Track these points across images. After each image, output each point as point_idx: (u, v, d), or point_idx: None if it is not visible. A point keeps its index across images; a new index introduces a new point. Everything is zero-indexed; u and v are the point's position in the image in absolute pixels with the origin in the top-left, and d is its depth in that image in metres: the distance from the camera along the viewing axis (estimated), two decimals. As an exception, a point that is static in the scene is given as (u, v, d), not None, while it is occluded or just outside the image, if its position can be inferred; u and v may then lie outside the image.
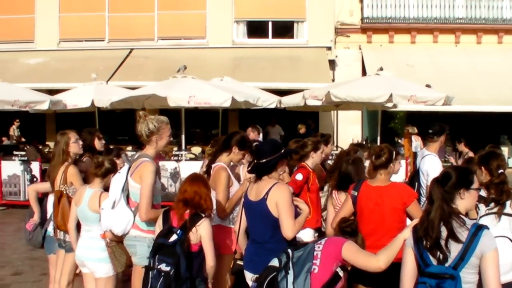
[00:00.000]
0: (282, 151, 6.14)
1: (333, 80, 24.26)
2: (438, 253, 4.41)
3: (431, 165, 8.25)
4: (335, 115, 23.21)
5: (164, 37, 26.73)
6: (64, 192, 7.51)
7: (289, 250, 5.22)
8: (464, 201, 4.55)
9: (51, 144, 24.80)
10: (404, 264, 4.69)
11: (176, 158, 16.38)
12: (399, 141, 21.59)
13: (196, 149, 19.84)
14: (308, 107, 19.95)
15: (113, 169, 7.13)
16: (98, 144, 9.05)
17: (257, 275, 5.33)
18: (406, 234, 4.76)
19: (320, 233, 8.34)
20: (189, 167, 14.88)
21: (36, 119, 25.42)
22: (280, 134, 23.74)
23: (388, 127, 25.21)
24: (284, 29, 27.23)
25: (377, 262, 5.02)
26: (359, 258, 5.16)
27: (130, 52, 26.13)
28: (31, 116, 23.41)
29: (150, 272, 5.77)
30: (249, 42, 26.92)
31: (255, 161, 6.09)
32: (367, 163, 8.02)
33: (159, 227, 6.11)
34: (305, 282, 5.02)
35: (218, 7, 26.58)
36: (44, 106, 17.79)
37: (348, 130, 23.71)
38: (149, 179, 6.43)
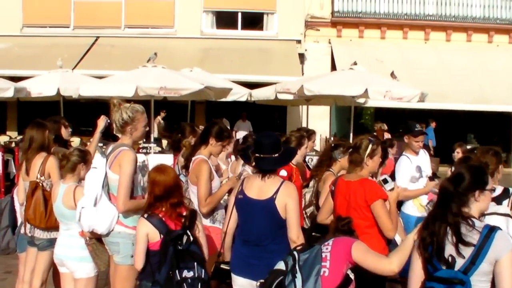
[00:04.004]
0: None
1: (302, 74, 23.96)
2: (446, 257, 4.10)
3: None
4: (303, 110, 23.00)
5: (131, 25, 26.22)
6: (40, 184, 7.04)
7: (295, 253, 4.87)
8: (478, 204, 4.24)
9: (12, 134, 24.33)
10: (412, 267, 4.38)
11: (144, 150, 15.91)
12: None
13: (163, 142, 19.36)
14: (278, 101, 19.74)
15: (82, 159, 6.63)
16: (65, 132, 8.58)
17: (262, 280, 4.95)
18: (416, 235, 4.44)
19: (303, 231, 8.03)
20: (158, 160, 14.44)
21: (-4, 107, 24.71)
22: (249, 130, 23.44)
23: (358, 123, 25.03)
24: (254, 21, 26.99)
25: (389, 264, 4.70)
26: (369, 260, 4.87)
27: (96, 40, 25.56)
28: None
29: (184, 285, 5.31)
30: (218, 33, 26.59)
31: (260, 155, 5.65)
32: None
33: (146, 236, 5.54)
34: (315, 286, 4.69)
35: (187, -4, 26.18)
36: (8, 94, 17.16)
37: (316, 125, 23.39)
38: (128, 168, 6.00)
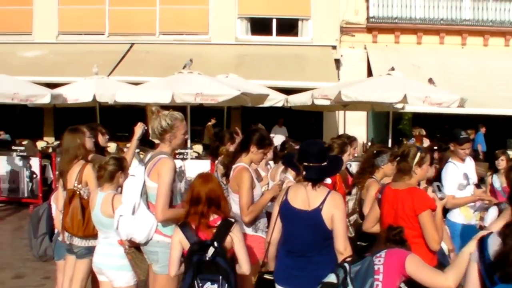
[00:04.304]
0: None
1: (338, 80, 23.73)
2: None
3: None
4: (339, 115, 22.76)
5: (165, 32, 26.11)
6: (77, 192, 6.94)
7: (346, 264, 4.67)
8: None
9: (49, 139, 24.44)
10: (468, 280, 4.10)
11: (181, 156, 15.82)
12: (407, 143, 21.18)
13: (198, 147, 19.27)
14: (314, 106, 19.57)
15: (119, 167, 6.54)
16: (102, 139, 8.46)
17: None
18: (472, 248, 4.19)
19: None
20: (195, 166, 14.38)
21: (33, 113, 24.82)
22: (286, 136, 23.26)
23: (396, 129, 24.75)
24: (289, 27, 26.70)
25: (445, 280, 4.46)
26: (424, 274, 4.65)
27: (131, 47, 25.55)
28: (28, 111, 22.88)
29: None
30: (253, 39, 26.39)
31: (309, 164, 5.48)
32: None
33: (179, 243, 5.46)
34: None
35: (221, 2, 26.10)
36: (45, 100, 17.29)
37: (353, 131, 23.14)
38: (167, 176, 5.90)
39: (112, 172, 6.50)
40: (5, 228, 14.60)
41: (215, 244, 5.20)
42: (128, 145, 19.95)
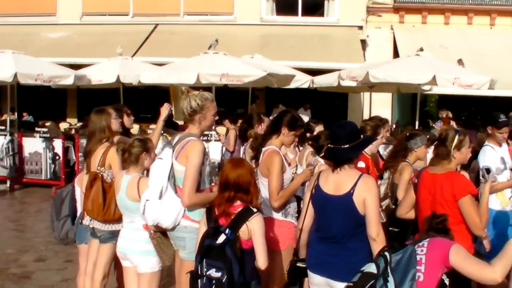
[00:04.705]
0: (361, 137, 5.41)
1: (364, 61, 23.41)
2: None
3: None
4: (364, 97, 22.51)
5: (190, 12, 25.81)
6: (100, 175, 6.76)
7: (386, 253, 4.45)
8: None
9: (72, 121, 24.42)
10: None
11: (205, 138, 15.65)
12: (434, 125, 20.91)
13: (221, 129, 19.11)
14: (340, 88, 19.32)
15: (143, 149, 6.32)
16: (127, 121, 8.27)
17: (350, 284, 4.51)
18: None
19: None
20: (218, 148, 14.24)
21: (56, 94, 24.75)
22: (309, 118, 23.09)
23: (422, 111, 24.45)
24: (314, 7, 26.30)
25: (492, 273, 4.24)
26: (470, 267, 4.41)
27: (155, 28, 25.33)
28: (51, 92, 22.86)
29: (199, 280, 4.99)
30: (278, 20, 26.04)
31: (331, 146, 5.34)
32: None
33: (204, 225, 5.32)
34: None
35: (246, -18, 25.83)
36: (69, 81, 17.25)
37: (378, 113, 22.86)
38: (196, 159, 5.69)
39: (137, 154, 6.28)
40: (27, 210, 14.59)
41: (227, 231, 5.02)
42: (151, 126, 19.92)
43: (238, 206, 5.22)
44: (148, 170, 6.30)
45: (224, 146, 13.12)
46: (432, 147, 6.24)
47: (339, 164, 5.30)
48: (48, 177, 16.97)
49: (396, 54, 24.19)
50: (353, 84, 17.82)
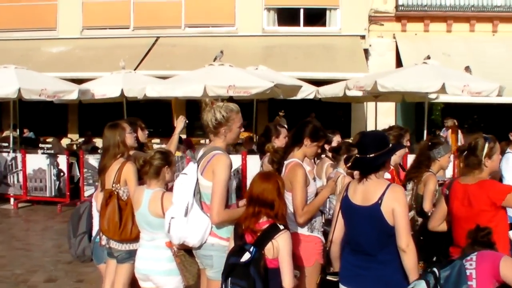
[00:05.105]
0: (390, 145, 5.23)
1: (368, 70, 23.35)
2: None
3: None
4: (367, 107, 22.36)
5: (191, 24, 25.86)
6: (115, 192, 6.53)
7: (435, 269, 4.27)
8: None
9: (73, 136, 24.25)
10: None
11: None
12: (440, 133, 20.81)
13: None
14: (344, 98, 19.16)
15: (165, 162, 6.09)
16: (142, 135, 8.03)
17: None
18: None
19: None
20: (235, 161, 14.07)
21: (57, 110, 24.60)
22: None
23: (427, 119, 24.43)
24: (316, 17, 26.32)
25: None
26: None
27: (156, 40, 25.35)
28: (52, 107, 22.66)
29: None
30: (280, 30, 26.08)
31: (357, 155, 5.19)
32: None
33: (232, 241, 5.17)
34: None
35: (247, -7, 25.80)
36: (73, 96, 17.13)
37: (382, 122, 22.81)
38: (223, 174, 5.45)
39: (158, 167, 6.05)
40: (33, 228, 14.29)
41: (251, 249, 4.84)
42: (154, 140, 19.73)
43: (264, 222, 5.05)
44: (167, 184, 6.11)
45: None
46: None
47: (366, 173, 5.15)
48: (53, 194, 16.70)
49: (398, 63, 24.18)
50: (359, 94, 17.67)
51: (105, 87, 18.48)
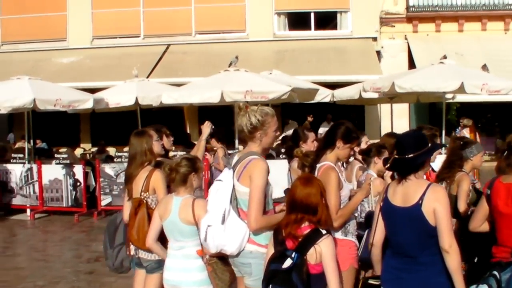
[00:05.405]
0: (429, 144, 5.11)
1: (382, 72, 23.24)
2: None
3: None
4: (381, 109, 22.22)
5: (202, 31, 25.85)
6: (144, 200, 6.39)
7: (496, 272, 4.14)
8: None
9: (86, 146, 24.16)
10: None
11: (228, 158, 15.39)
12: (455, 133, 20.68)
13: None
14: (360, 100, 19.10)
15: (192, 168, 5.92)
16: (167, 142, 7.84)
17: None
18: None
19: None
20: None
21: (69, 120, 24.47)
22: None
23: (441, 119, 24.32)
24: (327, 20, 26.30)
25: None
26: None
27: (167, 48, 25.32)
28: (64, 117, 22.60)
29: None
30: (291, 35, 26.03)
31: (396, 156, 5.07)
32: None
33: (272, 248, 5.00)
34: None
35: (257, -2, 25.77)
36: (88, 105, 17.06)
37: (396, 124, 22.69)
38: (260, 179, 5.30)
39: (185, 174, 5.89)
40: (52, 239, 14.20)
41: (293, 255, 4.71)
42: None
43: (306, 227, 4.91)
44: (194, 191, 5.99)
45: (214, 166, 12.72)
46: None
47: (405, 174, 5.04)
48: (70, 204, 16.61)
49: (411, 64, 24.12)
50: (375, 96, 17.57)
51: (119, 95, 18.46)
